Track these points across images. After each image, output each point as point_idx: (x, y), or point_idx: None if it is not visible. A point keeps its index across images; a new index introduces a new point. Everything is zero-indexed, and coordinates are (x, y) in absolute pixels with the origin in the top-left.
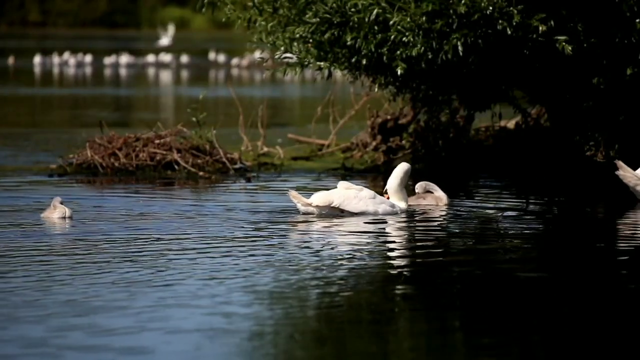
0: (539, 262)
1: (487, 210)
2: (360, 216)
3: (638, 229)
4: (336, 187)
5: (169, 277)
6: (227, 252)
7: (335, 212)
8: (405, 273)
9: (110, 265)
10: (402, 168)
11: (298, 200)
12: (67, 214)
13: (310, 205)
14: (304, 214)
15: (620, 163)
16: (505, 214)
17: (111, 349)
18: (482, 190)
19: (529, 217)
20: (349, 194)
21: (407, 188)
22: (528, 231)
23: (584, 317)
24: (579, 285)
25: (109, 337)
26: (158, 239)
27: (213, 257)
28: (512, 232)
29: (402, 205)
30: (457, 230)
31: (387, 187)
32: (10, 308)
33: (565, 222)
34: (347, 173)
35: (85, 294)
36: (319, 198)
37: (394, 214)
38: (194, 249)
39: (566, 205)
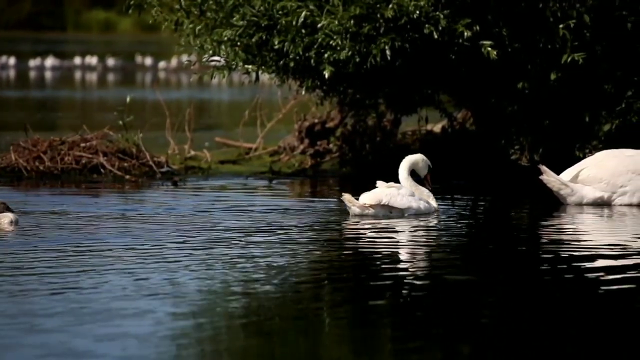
0: (463, 266)
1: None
2: (405, 213)
3: (562, 231)
4: (376, 187)
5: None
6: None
7: (384, 211)
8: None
9: (85, 271)
10: (402, 166)
11: (353, 203)
12: (13, 219)
13: (364, 206)
14: (356, 216)
15: (544, 168)
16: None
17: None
18: None
19: (454, 220)
20: (392, 191)
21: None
22: (452, 234)
23: (510, 321)
24: (504, 289)
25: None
26: (124, 244)
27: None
28: (438, 235)
29: (433, 203)
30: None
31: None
32: None
33: (489, 225)
34: (275, 176)
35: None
36: (371, 198)
37: (430, 212)
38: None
39: (491, 209)
